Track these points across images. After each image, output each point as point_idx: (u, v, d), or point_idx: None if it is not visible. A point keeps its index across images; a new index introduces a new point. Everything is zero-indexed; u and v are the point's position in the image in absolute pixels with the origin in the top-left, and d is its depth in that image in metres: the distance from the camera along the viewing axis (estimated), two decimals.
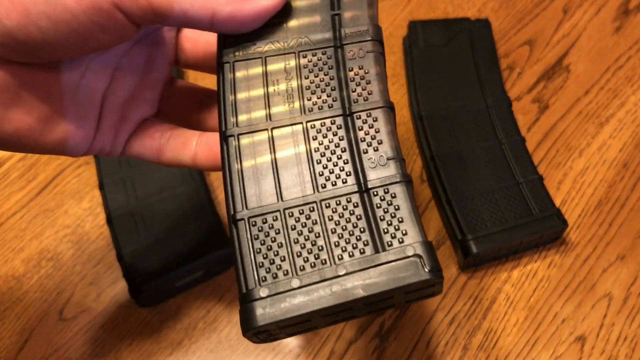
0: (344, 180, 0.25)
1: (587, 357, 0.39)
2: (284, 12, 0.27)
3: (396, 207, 0.24)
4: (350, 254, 0.23)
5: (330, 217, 0.24)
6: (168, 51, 0.30)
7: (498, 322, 0.41)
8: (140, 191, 0.42)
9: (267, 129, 0.26)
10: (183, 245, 0.40)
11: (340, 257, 0.23)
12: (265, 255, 0.23)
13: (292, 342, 0.40)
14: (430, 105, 0.47)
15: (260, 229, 0.24)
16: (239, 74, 0.26)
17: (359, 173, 0.25)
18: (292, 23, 0.27)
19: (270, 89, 0.26)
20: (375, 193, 0.24)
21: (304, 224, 0.24)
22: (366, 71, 0.26)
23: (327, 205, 0.24)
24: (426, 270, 0.22)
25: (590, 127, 0.49)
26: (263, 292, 0.23)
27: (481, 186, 0.43)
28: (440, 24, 0.51)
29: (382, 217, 0.24)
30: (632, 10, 0.55)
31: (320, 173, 0.25)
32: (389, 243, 0.23)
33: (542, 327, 0.40)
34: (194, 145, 0.29)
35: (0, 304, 0.42)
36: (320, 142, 0.25)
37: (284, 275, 0.23)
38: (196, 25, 0.25)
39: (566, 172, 0.47)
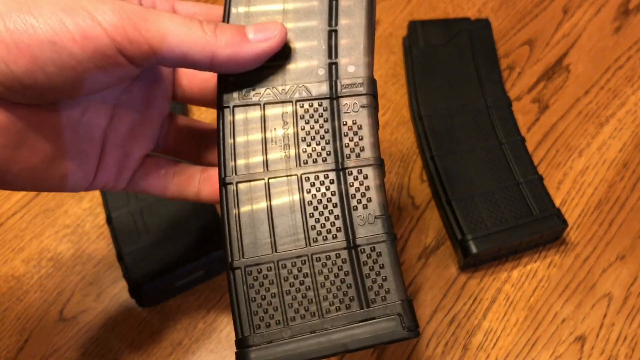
0: (334, 236, 0.26)
1: (587, 357, 0.39)
2: (283, 54, 0.27)
3: (381, 265, 0.26)
4: (337, 308, 0.26)
5: (320, 271, 0.26)
6: (165, 87, 0.30)
7: (498, 322, 0.41)
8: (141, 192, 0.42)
9: (263, 179, 0.27)
10: (183, 245, 0.40)
11: (328, 310, 0.25)
12: (259, 305, 0.26)
13: None
14: (430, 105, 0.47)
15: (255, 278, 0.26)
16: (238, 118, 0.27)
17: (349, 229, 0.26)
18: (291, 67, 0.27)
19: (268, 134, 0.27)
20: (362, 250, 0.26)
21: (295, 276, 0.26)
22: (359, 126, 0.27)
23: (318, 259, 0.26)
24: (405, 328, 0.25)
25: (590, 127, 0.49)
26: (257, 340, 0.25)
27: (481, 186, 0.43)
28: (440, 24, 0.51)
29: (367, 275, 0.26)
30: (632, 10, 0.55)
31: (313, 227, 0.26)
32: (373, 300, 0.26)
33: (542, 327, 0.40)
34: (197, 182, 0.30)
35: (0, 303, 0.42)
36: (314, 196, 0.27)
37: (276, 325, 0.25)
38: (196, 67, 0.25)
39: (566, 172, 0.47)
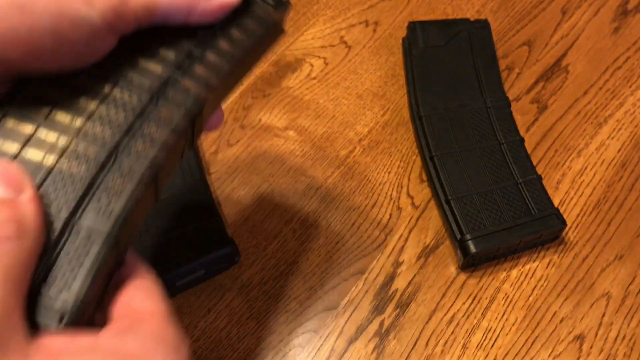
0: None
1: (586, 356, 0.39)
2: None
3: None
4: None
5: None
6: None
7: (497, 321, 0.41)
8: None
9: None
10: (184, 245, 0.40)
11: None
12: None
13: (292, 342, 0.40)
14: (430, 105, 0.47)
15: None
16: None
17: None
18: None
19: None
20: None
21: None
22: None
23: None
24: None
25: (589, 127, 0.49)
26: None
27: (480, 186, 0.43)
28: (440, 24, 0.51)
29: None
30: (630, 11, 0.55)
31: None
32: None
33: (540, 326, 0.40)
34: None
35: None
36: None
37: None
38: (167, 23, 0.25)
39: (565, 172, 0.47)
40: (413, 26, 0.51)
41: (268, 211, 0.45)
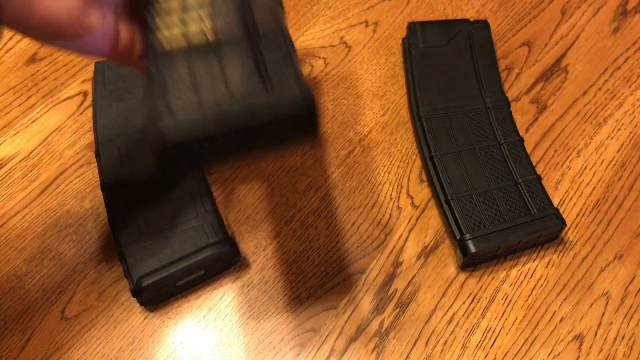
0: None
1: (585, 355, 0.39)
2: None
3: None
4: None
5: None
6: None
7: (497, 321, 0.41)
8: (142, 192, 0.43)
9: None
10: (184, 245, 0.40)
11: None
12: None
13: (292, 342, 0.40)
14: (430, 105, 0.47)
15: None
16: None
17: None
18: None
19: None
20: None
21: None
22: None
23: None
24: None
25: (588, 127, 0.49)
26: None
27: (480, 186, 0.43)
28: (440, 25, 0.51)
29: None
30: (630, 12, 0.55)
31: None
32: None
33: (540, 326, 0.41)
34: None
35: (2, 303, 0.42)
36: None
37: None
38: None
39: (564, 172, 0.47)
40: (413, 27, 0.51)
41: (268, 211, 0.45)
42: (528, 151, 0.47)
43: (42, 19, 0.26)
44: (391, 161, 0.48)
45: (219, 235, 0.41)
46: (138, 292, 0.39)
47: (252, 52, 0.29)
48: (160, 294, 0.41)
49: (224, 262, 0.42)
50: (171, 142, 0.25)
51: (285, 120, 0.27)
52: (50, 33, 0.27)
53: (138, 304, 0.41)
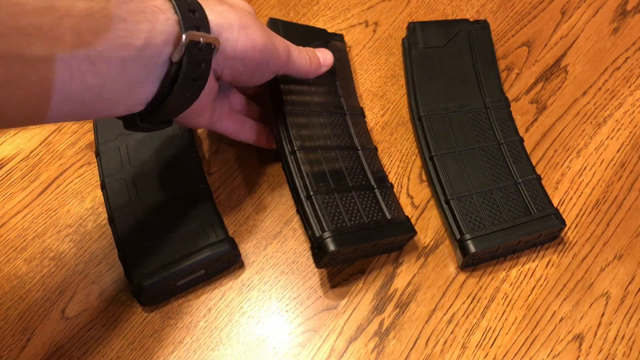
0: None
1: (585, 355, 0.40)
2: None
3: None
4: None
5: None
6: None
7: (496, 321, 0.41)
8: (143, 191, 0.43)
9: None
10: (184, 245, 0.40)
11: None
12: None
13: (292, 341, 0.40)
14: (430, 105, 0.47)
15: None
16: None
17: None
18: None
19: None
20: None
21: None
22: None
23: None
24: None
25: (588, 127, 0.49)
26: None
27: (480, 186, 0.43)
28: (439, 25, 0.51)
29: None
30: (629, 12, 0.55)
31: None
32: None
33: (540, 326, 0.41)
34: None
35: (2, 303, 0.42)
36: None
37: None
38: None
39: (564, 172, 0.47)
40: (413, 27, 0.51)
41: (268, 211, 0.45)
42: (528, 151, 0.47)
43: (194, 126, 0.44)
44: (391, 161, 0.48)
45: (219, 235, 0.41)
46: (138, 292, 0.39)
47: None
48: (160, 294, 0.41)
49: (224, 262, 0.42)
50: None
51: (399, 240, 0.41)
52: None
53: (138, 304, 0.41)
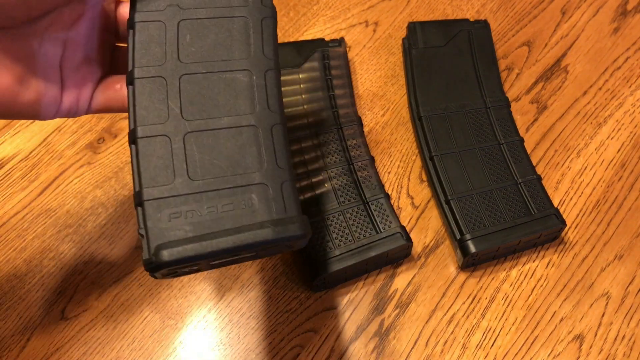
0: None
1: (585, 355, 0.39)
2: None
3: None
4: None
5: None
6: (109, 23, 0.34)
7: (497, 321, 0.41)
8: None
9: None
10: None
11: None
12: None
13: (292, 341, 0.40)
14: (430, 105, 0.47)
15: None
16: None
17: None
18: None
19: None
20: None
21: None
22: None
23: None
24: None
25: (589, 127, 0.49)
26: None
27: (480, 186, 0.43)
28: (440, 25, 0.51)
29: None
30: (630, 12, 0.55)
31: None
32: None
33: (540, 326, 0.41)
34: None
35: (2, 303, 0.42)
36: None
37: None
38: None
39: (564, 172, 0.47)
40: (413, 27, 0.51)
41: None
42: (528, 151, 0.47)
43: None
44: (391, 161, 0.48)
45: (289, 211, 0.28)
46: (157, 267, 0.33)
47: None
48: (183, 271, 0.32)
49: (286, 246, 0.29)
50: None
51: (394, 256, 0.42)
52: None
53: (138, 304, 0.41)
